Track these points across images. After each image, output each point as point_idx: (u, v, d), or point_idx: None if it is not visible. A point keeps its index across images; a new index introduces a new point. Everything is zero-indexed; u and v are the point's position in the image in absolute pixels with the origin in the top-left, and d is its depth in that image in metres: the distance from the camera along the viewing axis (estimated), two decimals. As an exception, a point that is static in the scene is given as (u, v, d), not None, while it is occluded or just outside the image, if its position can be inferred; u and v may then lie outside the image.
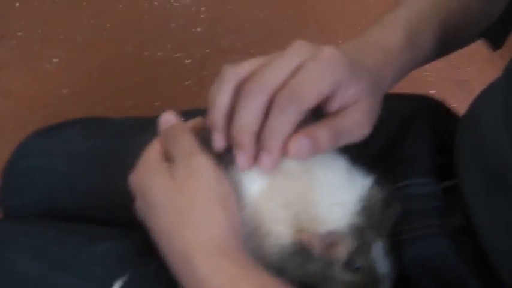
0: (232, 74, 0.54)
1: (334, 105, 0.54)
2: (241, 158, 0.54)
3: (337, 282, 0.56)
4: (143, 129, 0.65)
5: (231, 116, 0.54)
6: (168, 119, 0.58)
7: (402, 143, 0.68)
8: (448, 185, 0.65)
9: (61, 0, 1.51)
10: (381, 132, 0.68)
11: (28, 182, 0.72)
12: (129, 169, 0.57)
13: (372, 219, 0.55)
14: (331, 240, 0.53)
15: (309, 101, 0.52)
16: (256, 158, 0.54)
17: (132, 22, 1.52)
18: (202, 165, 0.53)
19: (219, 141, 0.55)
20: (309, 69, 0.52)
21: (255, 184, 0.56)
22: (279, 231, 0.55)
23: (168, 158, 0.55)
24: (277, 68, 0.53)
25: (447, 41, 0.67)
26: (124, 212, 0.64)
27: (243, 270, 0.50)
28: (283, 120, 0.52)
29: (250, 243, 0.57)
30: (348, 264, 0.55)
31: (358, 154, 0.59)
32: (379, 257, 0.55)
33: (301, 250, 0.55)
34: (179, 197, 0.52)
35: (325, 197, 0.55)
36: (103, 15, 1.51)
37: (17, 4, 1.47)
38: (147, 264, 0.60)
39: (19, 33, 1.43)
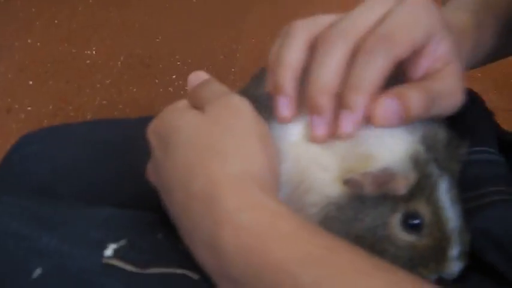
0: (303, 28, 0.45)
1: (421, 66, 0.44)
2: (318, 124, 0.43)
3: (393, 245, 0.43)
4: None
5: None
6: (198, 76, 0.50)
7: (463, 118, 0.59)
8: None
9: (75, 81, 1.49)
10: None
11: (23, 169, 0.62)
12: (142, 158, 0.49)
13: (435, 152, 0.44)
14: (386, 176, 0.42)
15: (403, 47, 0.42)
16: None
17: (144, 106, 1.49)
18: (241, 103, 0.44)
19: (286, 110, 0.45)
20: (400, 12, 0.42)
21: (296, 128, 0.47)
22: (324, 180, 0.44)
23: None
24: (361, 15, 0.43)
25: (506, 41, 0.61)
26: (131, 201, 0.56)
27: (286, 209, 0.38)
28: (372, 68, 0.41)
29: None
30: (407, 217, 0.43)
31: None
32: (447, 202, 0.43)
33: (348, 201, 0.44)
34: (211, 130, 0.43)
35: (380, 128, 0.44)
36: (115, 98, 1.48)
37: (30, 82, 1.45)
38: (151, 232, 0.48)
39: (29, 108, 1.39)
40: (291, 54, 0.44)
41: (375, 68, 0.41)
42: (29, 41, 1.52)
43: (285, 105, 0.45)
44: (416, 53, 0.43)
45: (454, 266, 0.44)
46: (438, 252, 0.43)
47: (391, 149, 0.43)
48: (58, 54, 1.52)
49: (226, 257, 0.37)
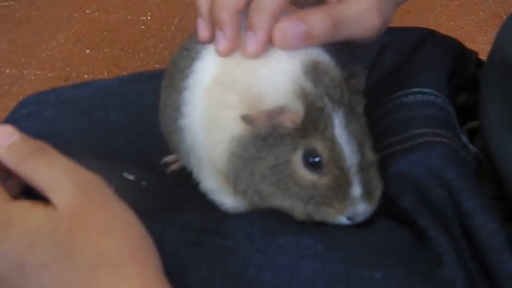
0: None
1: None
2: (219, 39, 0.45)
3: (296, 184, 0.43)
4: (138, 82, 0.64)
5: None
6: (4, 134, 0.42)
7: (413, 59, 0.57)
8: (473, 125, 0.55)
9: (129, 47, 1.53)
10: (390, 53, 0.59)
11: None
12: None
13: (325, 87, 0.43)
14: (276, 112, 0.42)
15: None
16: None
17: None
18: (104, 188, 0.41)
19: (202, 30, 0.48)
20: None
21: (207, 75, 0.47)
22: (228, 117, 0.45)
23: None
24: None
25: None
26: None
27: None
28: None
29: (200, 151, 0.48)
30: (307, 155, 0.43)
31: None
32: (343, 138, 0.42)
33: (251, 138, 0.44)
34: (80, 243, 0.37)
35: (270, 65, 0.45)
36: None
37: (88, 51, 1.51)
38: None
39: (86, 76, 1.46)
40: None
41: None
42: (87, 11, 1.58)
43: (201, 27, 0.48)
44: None
45: (357, 206, 0.42)
46: (339, 191, 0.42)
47: (277, 87, 0.43)
48: (114, 22, 1.57)
49: None
